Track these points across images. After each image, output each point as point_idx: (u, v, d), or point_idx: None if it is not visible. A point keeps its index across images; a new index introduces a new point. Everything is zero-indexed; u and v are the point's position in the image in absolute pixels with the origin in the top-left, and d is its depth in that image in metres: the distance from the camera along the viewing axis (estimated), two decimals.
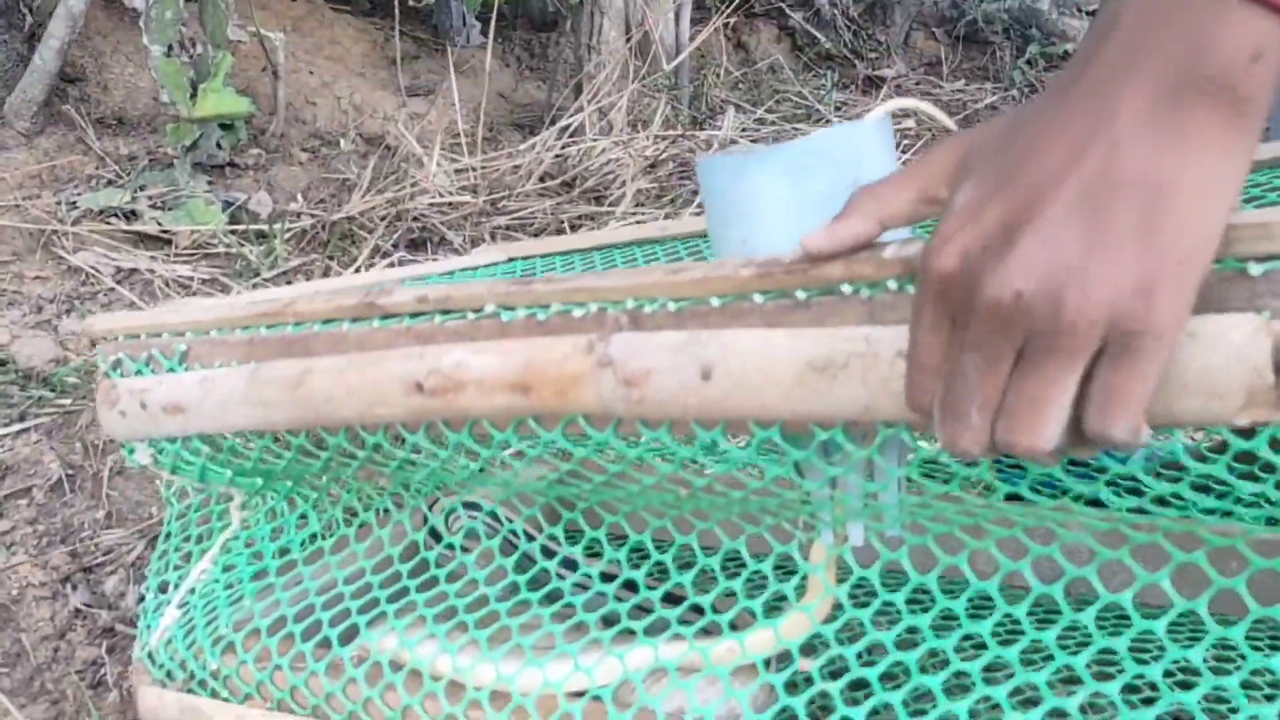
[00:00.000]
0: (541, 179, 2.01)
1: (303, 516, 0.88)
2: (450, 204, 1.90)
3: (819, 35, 3.15)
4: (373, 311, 0.66)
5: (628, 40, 2.32)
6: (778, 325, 0.52)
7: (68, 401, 1.31)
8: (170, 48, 1.86)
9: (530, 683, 0.67)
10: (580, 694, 0.67)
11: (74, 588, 1.10)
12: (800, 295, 0.52)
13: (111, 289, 1.62)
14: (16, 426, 1.28)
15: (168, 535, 0.87)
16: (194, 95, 1.88)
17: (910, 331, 0.45)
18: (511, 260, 1.14)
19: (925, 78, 3.13)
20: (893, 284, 0.49)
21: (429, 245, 1.87)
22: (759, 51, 3.01)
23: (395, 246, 1.83)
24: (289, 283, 1.67)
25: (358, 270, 1.73)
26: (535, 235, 1.93)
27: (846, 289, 0.51)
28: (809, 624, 0.67)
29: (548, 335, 0.59)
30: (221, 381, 0.71)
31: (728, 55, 2.88)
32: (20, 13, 2.06)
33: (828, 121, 2.63)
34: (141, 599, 1.06)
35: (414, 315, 0.65)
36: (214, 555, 0.85)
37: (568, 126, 2.11)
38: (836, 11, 3.18)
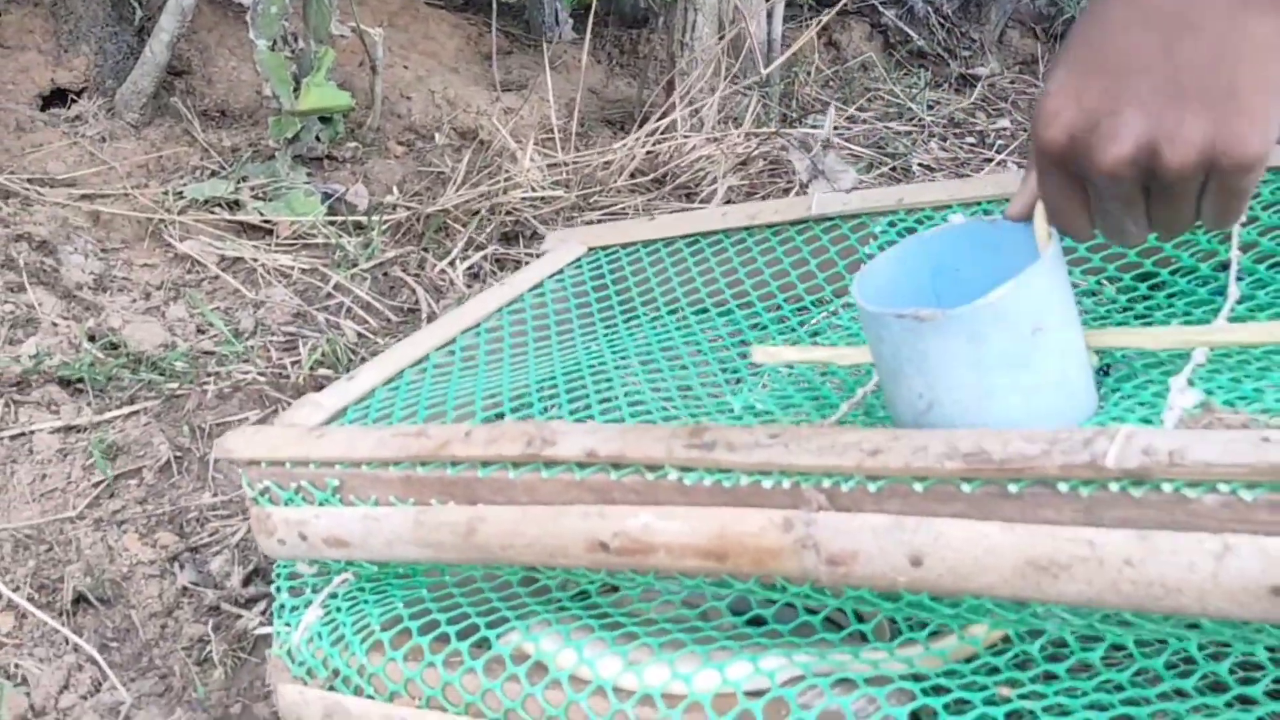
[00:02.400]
0: (633, 175, 2.02)
1: None
2: (542, 198, 1.92)
3: (911, 33, 3.11)
4: (536, 460, 0.67)
5: (720, 38, 2.32)
6: (988, 516, 0.53)
7: (175, 385, 1.34)
8: (274, 42, 1.90)
9: (708, 682, 0.68)
10: (757, 693, 0.67)
11: (181, 567, 1.13)
12: (1011, 489, 0.52)
13: (216, 276, 1.66)
14: (127, 409, 1.32)
15: None
16: (296, 89, 1.92)
17: (1042, 193, 0.57)
18: (592, 251, 1.13)
19: (1020, 76, 3.08)
20: (1114, 486, 0.50)
21: (521, 238, 1.88)
22: (851, 49, 2.99)
23: (489, 239, 1.85)
24: (385, 274, 1.70)
25: (452, 263, 1.75)
26: None
27: (1063, 487, 0.51)
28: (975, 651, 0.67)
29: (737, 505, 0.60)
30: (385, 521, 0.73)
31: (819, 53, 2.86)
32: (130, 6, 2.12)
33: (919, 121, 2.60)
34: (247, 581, 1.09)
35: (582, 466, 0.65)
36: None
37: (660, 123, 2.11)
38: (930, 9, 3.14)
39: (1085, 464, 0.50)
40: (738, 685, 0.68)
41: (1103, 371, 0.74)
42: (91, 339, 1.42)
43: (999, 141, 2.63)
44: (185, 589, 1.11)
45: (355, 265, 1.69)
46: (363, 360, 1.44)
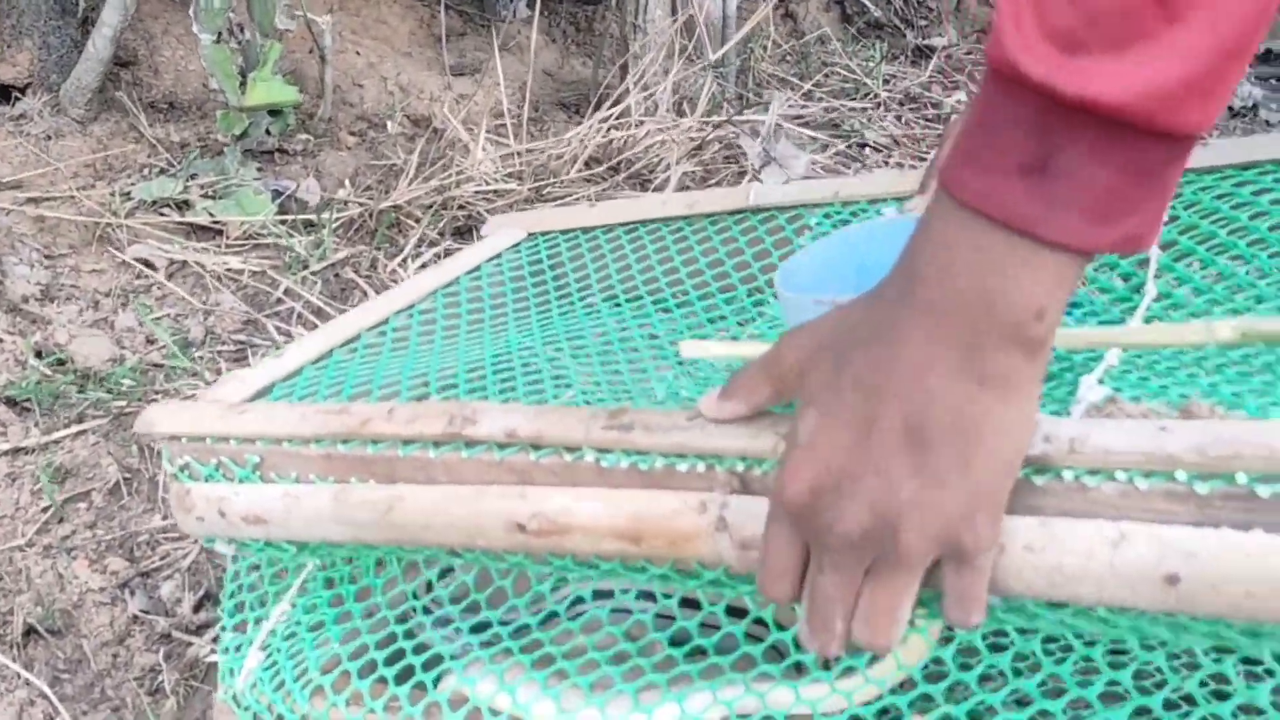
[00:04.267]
0: (587, 164, 2.02)
1: (379, 562, 0.89)
2: (496, 191, 1.92)
3: (868, 4, 3.10)
4: (457, 439, 0.67)
5: (674, 20, 2.30)
6: None
7: (124, 404, 1.34)
8: (219, 35, 1.88)
9: None
10: None
11: (132, 593, 1.13)
12: None
13: (166, 279, 1.65)
14: (75, 428, 1.31)
15: (235, 575, 0.89)
16: (243, 84, 1.90)
17: (764, 541, 0.53)
18: (532, 236, 1.13)
19: (976, 46, 3.07)
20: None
21: (474, 232, 1.88)
22: (808, 21, 2.98)
23: (441, 235, 1.84)
24: (336, 275, 1.69)
25: (404, 261, 1.75)
26: None
27: None
28: (927, 649, 0.68)
29: (653, 487, 0.60)
30: (305, 499, 0.72)
31: (775, 26, 2.85)
32: None
33: (874, 97, 2.60)
34: (198, 607, 1.09)
35: (502, 446, 0.65)
36: (293, 596, 0.87)
37: (613, 111, 2.11)
38: None
39: None
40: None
41: None
42: (39, 355, 1.41)
43: (954, 115, 2.63)
44: (136, 617, 1.11)
45: (306, 267, 1.69)
46: None
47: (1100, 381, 0.61)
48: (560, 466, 0.63)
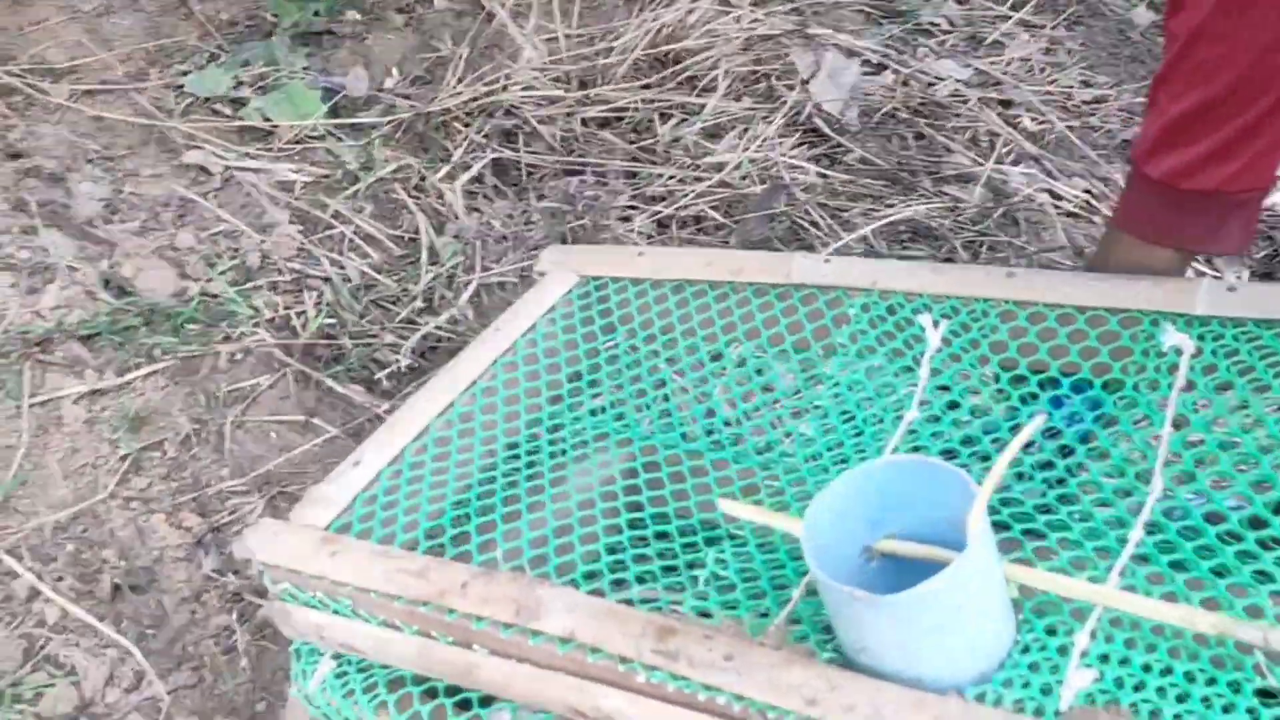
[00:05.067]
0: (635, 65, 2.01)
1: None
2: (545, 96, 1.92)
3: None
4: (524, 628, 0.77)
5: None
6: None
7: (191, 348, 1.42)
8: None
9: None
10: None
11: (205, 551, 1.25)
12: None
13: (220, 188, 1.70)
14: (146, 369, 1.40)
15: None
16: None
17: None
18: (584, 280, 1.18)
19: None
20: None
21: (520, 136, 1.90)
22: None
23: (487, 138, 1.87)
24: (386, 193, 1.73)
25: (452, 171, 1.78)
26: (632, 129, 1.95)
27: None
28: None
29: (697, 708, 0.71)
30: (394, 645, 0.84)
31: None
32: None
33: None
34: None
35: (564, 641, 0.75)
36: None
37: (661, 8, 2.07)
38: None
39: None
40: None
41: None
42: (106, 284, 1.48)
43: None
44: (209, 576, 1.23)
45: (357, 181, 1.73)
46: (365, 309, 1.52)
47: (1085, 656, 0.69)
48: (614, 672, 0.73)
